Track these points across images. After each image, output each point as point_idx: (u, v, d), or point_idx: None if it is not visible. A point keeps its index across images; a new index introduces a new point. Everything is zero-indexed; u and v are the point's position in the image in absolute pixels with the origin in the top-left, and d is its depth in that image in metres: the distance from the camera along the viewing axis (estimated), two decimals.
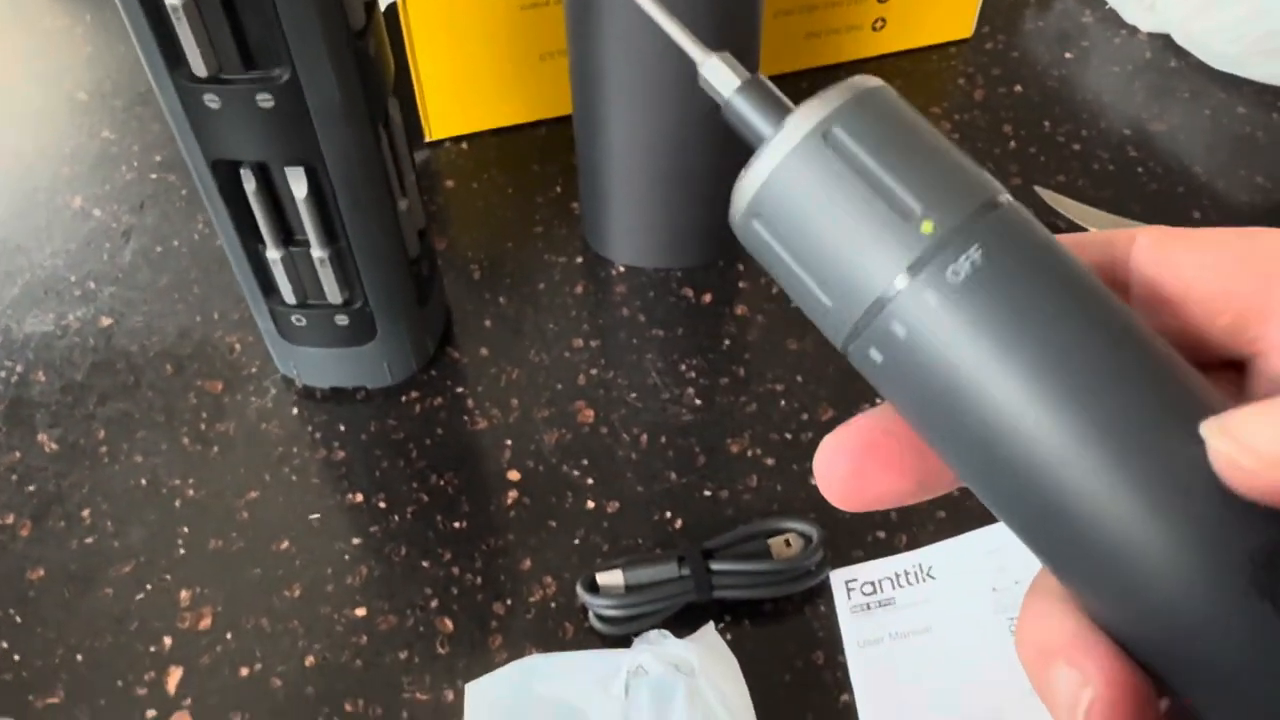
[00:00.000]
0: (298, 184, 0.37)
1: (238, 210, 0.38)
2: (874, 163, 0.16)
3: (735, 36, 0.43)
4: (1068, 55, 0.61)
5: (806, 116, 0.16)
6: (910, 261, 0.15)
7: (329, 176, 0.37)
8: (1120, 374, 0.15)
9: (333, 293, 0.41)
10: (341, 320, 0.42)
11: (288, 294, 0.41)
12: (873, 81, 0.17)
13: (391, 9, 0.50)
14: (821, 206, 0.16)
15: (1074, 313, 0.15)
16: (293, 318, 0.42)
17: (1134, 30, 0.62)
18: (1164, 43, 0.61)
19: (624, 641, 0.38)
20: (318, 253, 0.39)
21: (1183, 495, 0.15)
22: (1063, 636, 0.16)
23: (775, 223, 0.17)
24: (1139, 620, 0.15)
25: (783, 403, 0.45)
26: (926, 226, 0.15)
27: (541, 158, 0.56)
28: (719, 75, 0.18)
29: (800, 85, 0.59)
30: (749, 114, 0.17)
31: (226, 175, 0.37)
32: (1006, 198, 0.16)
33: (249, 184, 0.37)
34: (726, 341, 0.48)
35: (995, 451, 0.15)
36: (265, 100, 0.34)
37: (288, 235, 0.40)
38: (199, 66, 0.33)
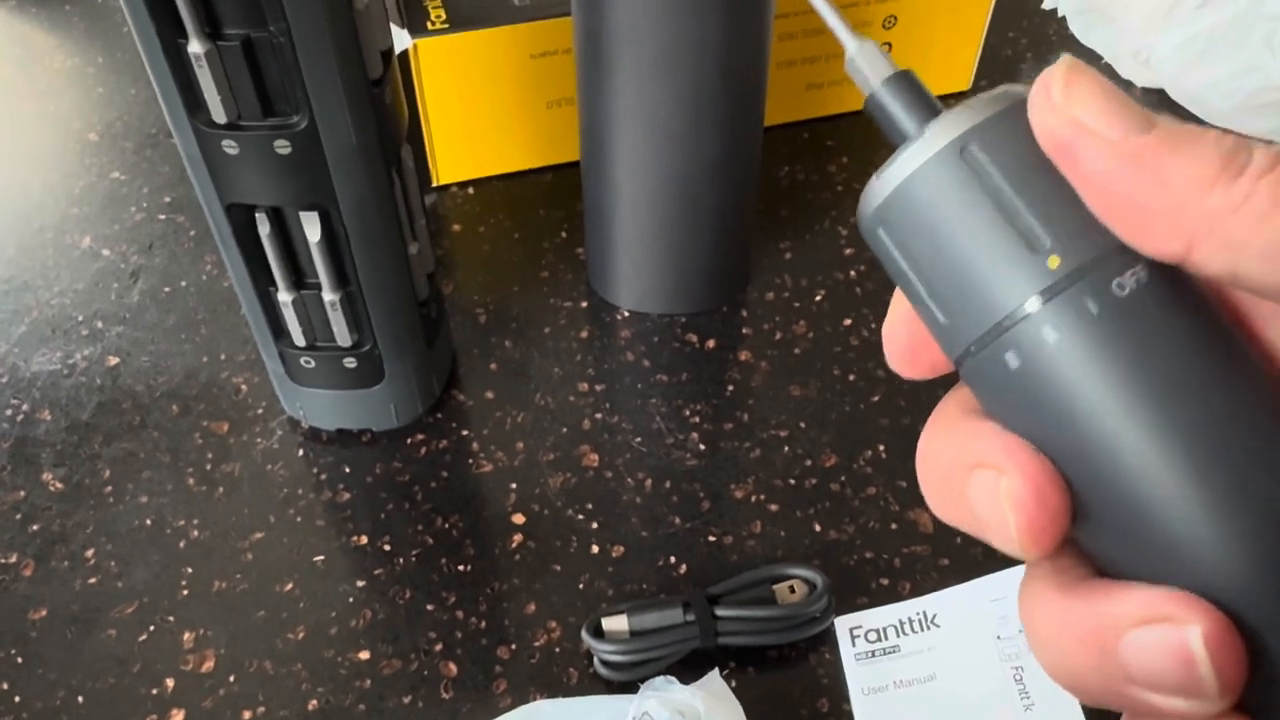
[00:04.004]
0: (311, 228, 0.37)
1: (251, 253, 0.39)
2: (1008, 187, 0.15)
3: (744, 86, 0.44)
4: None
5: (949, 126, 0.16)
6: (1036, 291, 0.15)
7: (342, 221, 0.38)
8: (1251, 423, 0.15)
9: (342, 335, 0.41)
10: (350, 363, 0.43)
11: (298, 336, 0.41)
12: (1021, 94, 0.16)
13: (403, 56, 0.51)
14: (949, 224, 0.16)
15: (1219, 354, 0.15)
16: (302, 360, 0.43)
17: (1129, 85, 0.64)
18: (1159, 97, 0.62)
19: (629, 687, 0.38)
20: (329, 296, 0.40)
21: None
22: (985, 448, 0.16)
23: (899, 233, 0.16)
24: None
25: (786, 449, 0.45)
26: (1053, 261, 0.15)
27: (548, 204, 0.57)
28: (869, 63, 0.17)
29: (802, 135, 0.60)
30: (893, 108, 0.17)
31: (241, 219, 0.38)
32: None
33: (263, 228, 0.37)
34: (730, 387, 0.48)
35: (1110, 464, 0.15)
36: (283, 146, 0.35)
37: (299, 278, 0.40)
38: (219, 113, 0.34)
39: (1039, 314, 0.15)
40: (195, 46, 0.32)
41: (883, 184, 0.16)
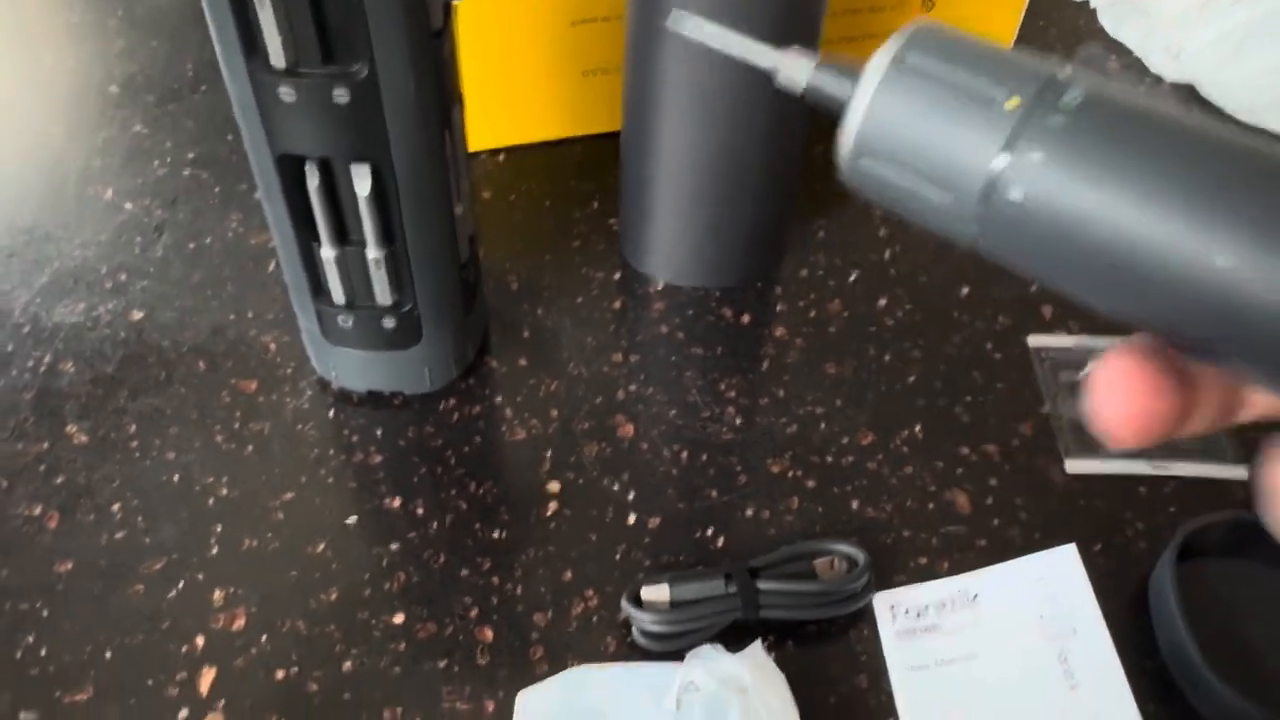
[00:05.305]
0: (361, 182, 0.37)
1: (296, 206, 0.38)
2: (949, 70, 0.18)
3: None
4: None
5: (879, 59, 0.18)
6: (1009, 130, 0.17)
7: (394, 176, 0.37)
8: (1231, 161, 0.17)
9: (383, 295, 0.41)
10: (389, 323, 0.42)
11: (338, 294, 0.41)
12: (923, 18, 0.19)
13: None
14: (919, 119, 0.18)
15: (1178, 117, 0.17)
16: (339, 319, 0.42)
17: (1159, 79, 0.64)
18: (1189, 93, 0.62)
19: (668, 657, 0.38)
20: (373, 253, 0.39)
21: None
22: None
23: (881, 151, 0.18)
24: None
25: (823, 425, 0.45)
26: (1011, 103, 0.17)
27: (579, 174, 0.56)
28: (794, 71, 0.20)
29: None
30: (828, 87, 0.19)
31: (290, 170, 0.37)
32: (1072, 68, 0.18)
33: (312, 180, 0.37)
34: (765, 363, 0.48)
35: (1145, 246, 0.16)
36: (341, 95, 0.34)
37: (343, 234, 0.39)
38: (278, 58, 0.33)
39: (1021, 144, 0.17)
40: None
41: (851, 123, 0.19)
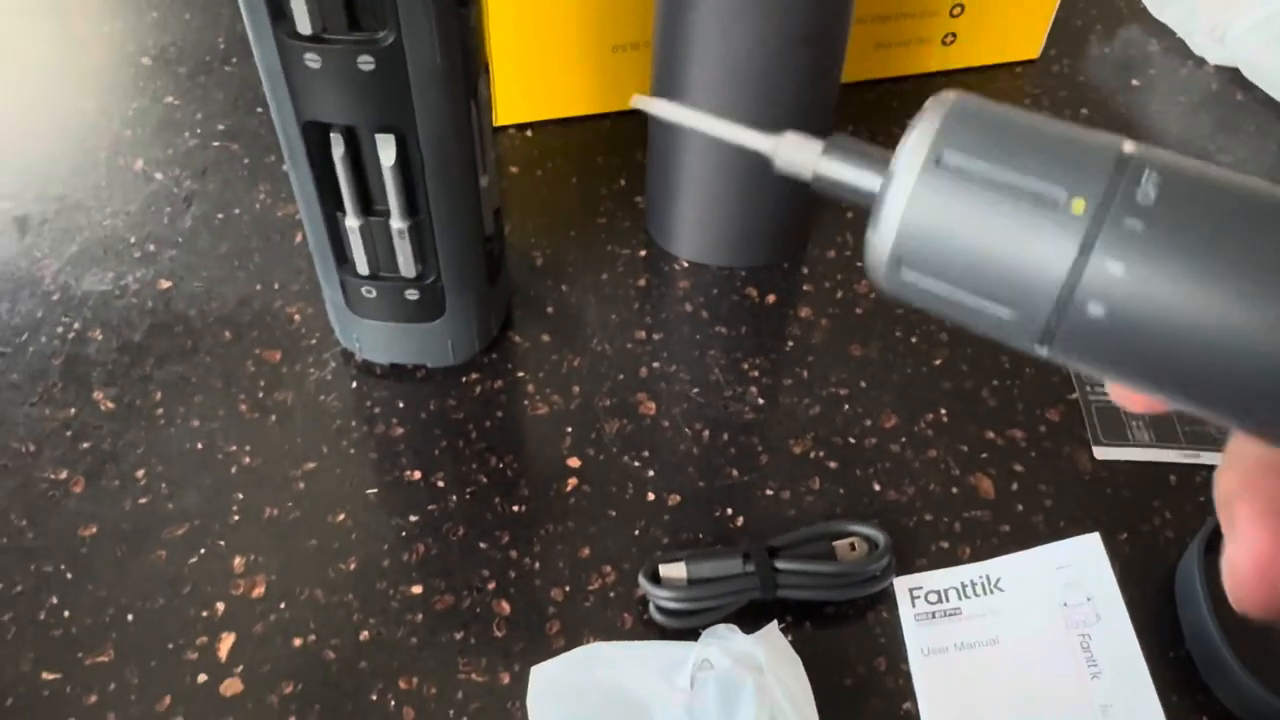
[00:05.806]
0: (386, 151, 0.37)
1: (321, 175, 0.38)
2: (996, 170, 0.16)
3: (827, 32, 0.43)
4: (1134, 83, 0.61)
5: (910, 153, 0.16)
6: (1080, 241, 0.15)
7: (419, 145, 0.37)
8: None
9: (407, 266, 0.41)
10: (412, 295, 0.42)
11: (361, 265, 0.41)
12: (951, 95, 0.17)
13: None
14: (967, 230, 0.16)
15: (1266, 193, 0.15)
16: (363, 289, 0.42)
17: (1201, 62, 0.62)
18: (1231, 76, 0.61)
19: (684, 635, 0.37)
20: (397, 224, 0.39)
21: None
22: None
23: (924, 263, 0.16)
24: None
25: (846, 407, 0.45)
26: (1077, 206, 0.15)
27: (607, 150, 0.56)
28: (797, 154, 0.18)
29: (866, 96, 0.59)
30: (844, 174, 0.17)
31: (316, 138, 0.37)
32: (1131, 145, 0.16)
33: (337, 149, 0.37)
34: (790, 343, 0.47)
35: (1230, 350, 0.15)
36: (366, 63, 0.34)
37: (367, 204, 0.39)
38: (304, 24, 0.33)
39: (1096, 256, 0.15)
40: None
41: (885, 230, 0.16)
